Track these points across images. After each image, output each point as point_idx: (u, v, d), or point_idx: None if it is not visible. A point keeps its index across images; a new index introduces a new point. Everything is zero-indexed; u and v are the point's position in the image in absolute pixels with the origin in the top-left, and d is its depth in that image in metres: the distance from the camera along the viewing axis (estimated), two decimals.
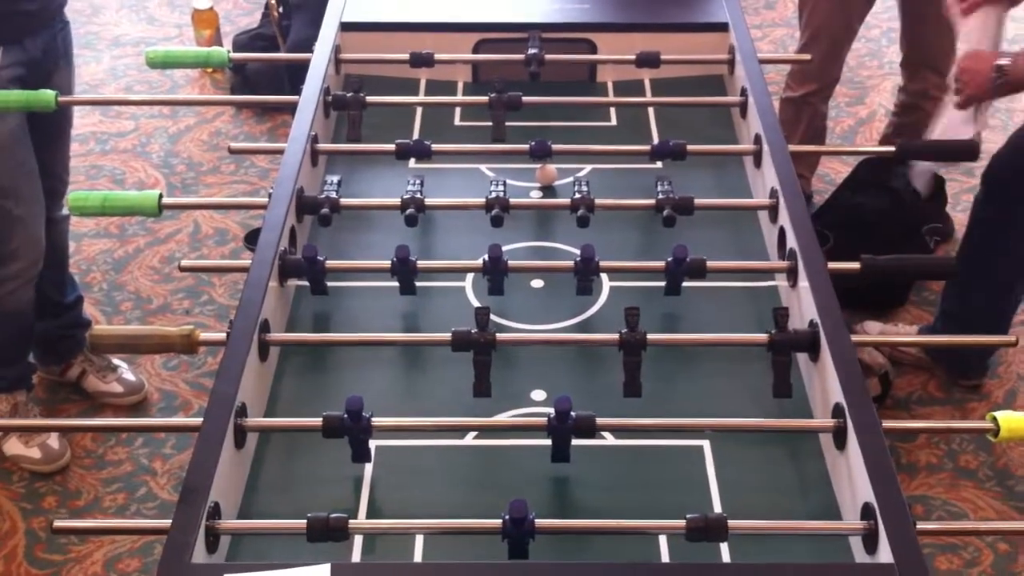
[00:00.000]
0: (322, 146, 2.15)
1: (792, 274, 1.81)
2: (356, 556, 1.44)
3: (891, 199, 3.16)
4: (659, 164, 2.16)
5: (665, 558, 1.44)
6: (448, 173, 2.18)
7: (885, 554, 1.33)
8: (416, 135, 2.29)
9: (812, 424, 1.63)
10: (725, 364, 1.76)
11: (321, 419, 1.51)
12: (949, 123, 2.38)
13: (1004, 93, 2.38)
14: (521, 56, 2.31)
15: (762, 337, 1.67)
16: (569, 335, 1.82)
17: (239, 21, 4.73)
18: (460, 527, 1.44)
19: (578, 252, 1.80)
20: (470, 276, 1.92)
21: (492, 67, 2.44)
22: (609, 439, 1.63)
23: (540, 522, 1.38)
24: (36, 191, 2.55)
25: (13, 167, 2.46)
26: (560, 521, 1.47)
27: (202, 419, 1.48)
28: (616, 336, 1.65)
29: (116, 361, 2.95)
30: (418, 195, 1.97)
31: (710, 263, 1.80)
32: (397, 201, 1.96)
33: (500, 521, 1.37)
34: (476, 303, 1.86)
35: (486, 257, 1.79)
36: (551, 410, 1.50)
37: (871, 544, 1.38)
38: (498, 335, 1.65)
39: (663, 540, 1.46)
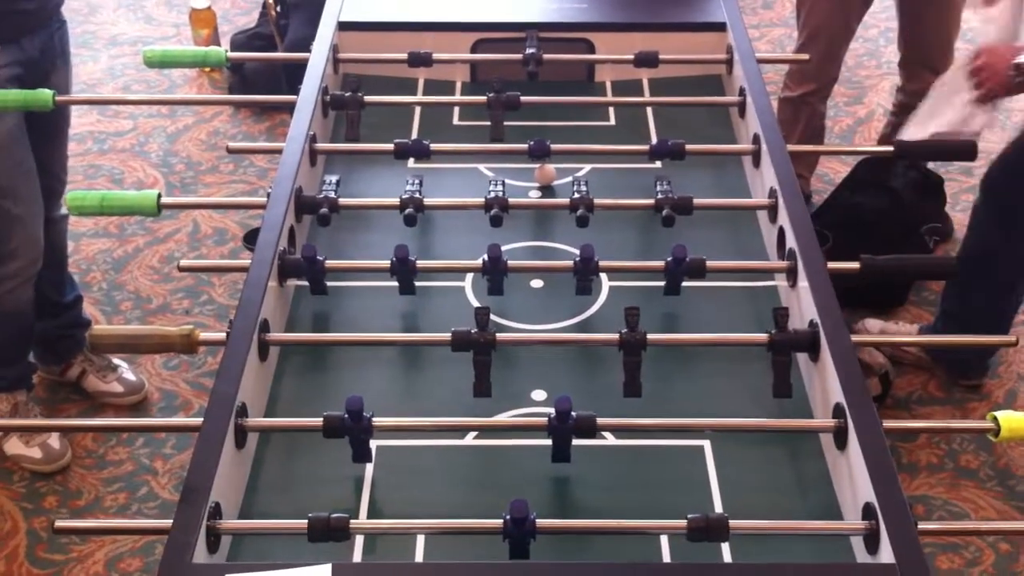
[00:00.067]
0: (321, 146, 2.14)
1: (792, 274, 1.81)
2: (357, 556, 1.44)
3: (890, 199, 3.17)
4: (658, 164, 2.16)
5: (666, 558, 1.44)
6: (447, 173, 2.18)
7: (886, 554, 1.33)
8: (415, 135, 2.29)
9: (813, 424, 1.63)
10: (725, 364, 1.76)
11: (321, 419, 1.51)
12: (955, 117, 2.35)
13: (1021, 91, 2.35)
14: (519, 56, 2.31)
15: (762, 337, 1.67)
16: (569, 335, 1.82)
17: (237, 20, 4.72)
18: (461, 527, 1.44)
19: (577, 252, 1.80)
20: (469, 276, 1.92)
21: (490, 67, 2.44)
22: (609, 439, 1.63)
23: (541, 522, 1.38)
24: (34, 190, 2.55)
25: (11, 166, 2.46)
26: (561, 521, 1.47)
27: (202, 419, 1.48)
28: (616, 336, 1.65)
29: (116, 361, 2.95)
30: (417, 195, 1.97)
31: (710, 263, 1.80)
32: (396, 201, 1.96)
33: (501, 521, 1.37)
34: (476, 303, 1.86)
35: (485, 257, 1.79)
36: (551, 410, 1.50)
37: (872, 544, 1.38)
38: (498, 335, 1.65)
39: (664, 540, 1.46)
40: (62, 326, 2.88)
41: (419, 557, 1.44)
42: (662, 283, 1.83)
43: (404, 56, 2.33)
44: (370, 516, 1.52)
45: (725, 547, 1.44)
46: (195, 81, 4.38)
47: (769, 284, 1.91)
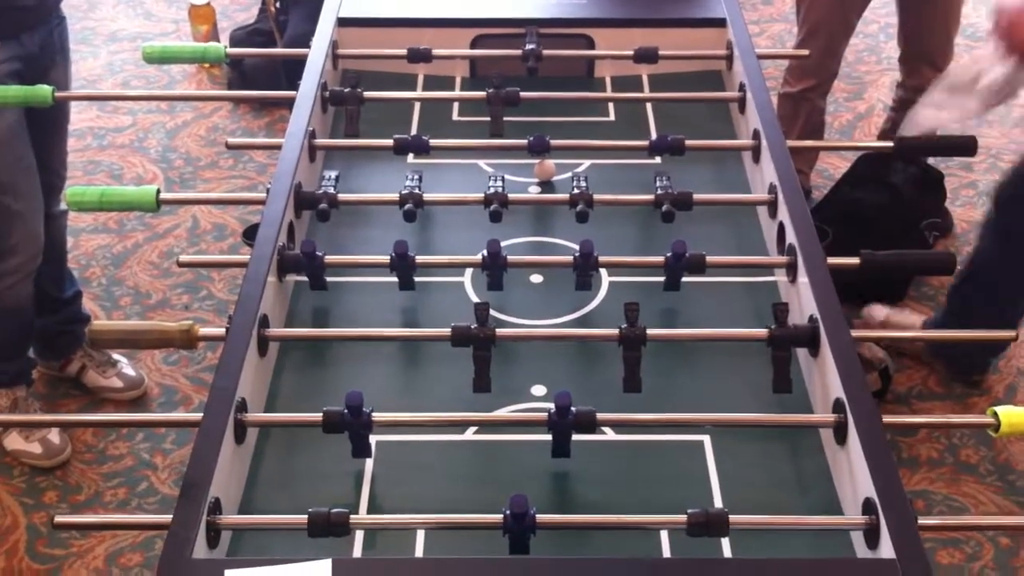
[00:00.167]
0: (320, 141, 2.14)
1: (791, 269, 1.81)
2: (357, 551, 1.44)
3: (890, 194, 3.17)
4: (658, 159, 2.16)
5: (666, 553, 1.44)
6: (446, 168, 2.18)
7: (887, 549, 1.33)
8: (414, 130, 2.29)
9: (812, 419, 1.63)
10: (725, 359, 1.76)
11: (321, 414, 1.51)
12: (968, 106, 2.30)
13: None
14: (519, 51, 2.31)
15: (762, 332, 1.67)
16: (569, 330, 1.82)
17: (236, 16, 4.72)
18: (461, 522, 1.44)
19: (577, 247, 1.80)
20: (469, 271, 1.92)
21: (490, 62, 2.43)
22: (609, 434, 1.63)
23: (541, 517, 1.38)
24: (34, 186, 2.55)
25: (11, 162, 2.46)
26: (561, 516, 1.47)
27: (202, 414, 1.48)
28: (616, 331, 1.65)
29: (116, 356, 2.95)
30: (416, 190, 1.96)
31: (709, 258, 1.80)
32: (395, 196, 1.96)
33: (501, 516, 1.37)
34: (475, 298, 1.86)
35: (485, 252, 1.79)
36: (551, 405, 1.50)
37: (872, 539, 1.38)
38: (498, 330, 1.65)
39: (664, 535, 1.46)
40: (62, 322, 2.88)
41: (419, 552, 1.44)
42: (662, 278, 1.82)
43: (404, 52, 2.33)
44: (370, 511, 1.52)
45: (725, 542, 1.44)
46: (194, 77, 4.38)
47: (769, 279, 1.91)
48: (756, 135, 2.09)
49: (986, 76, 2.17)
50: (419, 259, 1.81)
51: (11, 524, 2.60)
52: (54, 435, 2.74)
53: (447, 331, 1.65)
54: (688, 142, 2.08)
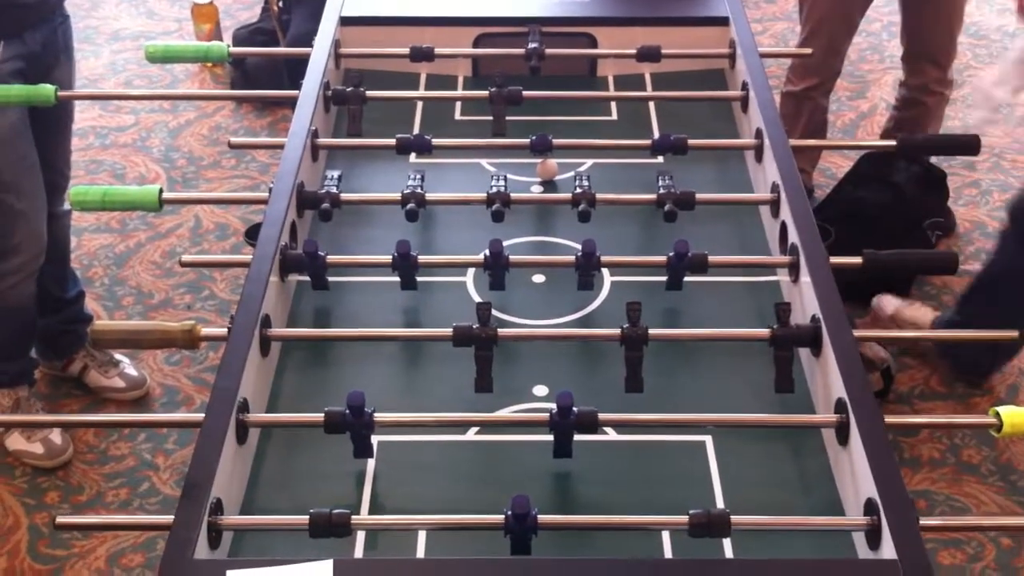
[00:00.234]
0: (322, 141, 2.14)
1: (794, 269, 1.80)
2: (358, 552, 1.44)
3: (893, 193, 3.16)
4: (660, 159, 2.16)
5: (668, 554, 1.44)
6: (449, 168, 2.18)
7: (888, 550, 1.33)
8: (416, 130, 2.29)
9: (814, 419, 1.63)
10: (727, 359, 1.76)
11: (323, 415, 1.51)
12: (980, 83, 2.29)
13: None
14: (522, 50, 2.31)
15: (764, 332, 1.66)
16: (571, 330, 1.82)
17: (239, 15, 4.72)
18: (462, 523, 1.43)
19: (579, 247, 1.79)
20: (471, 271, 1.92)
21: (492, 61, 2.43)
22: (611, 435, 1.63)
23: (542, 518, 1.38)
24: (38, 185, 2.55)
25: (15, 161, 2.46)
26: (562, 517, 1.47)
27: (204, 414, 1.48)
28: (618, 331, 1.65)
29: (118, 356, 2.95)
30: (419, 190, 1.96)
31: (712, 258, 1.80)
32: (398, 196, 1.96)
33: (502, 517, 1.37)
34: (477, 298, 1.86)
35: (487, 252, 1.79)
36: (553, 405, 1.50)
37: (874, 540, 1.38)
38: (499, 330, 1.65)
39: (666, 536, 1.45)
40: (64, 321, 2.88)
41: (420, 553, 1.44)
42: (664, 278, 1.82)
43: (406, 51, 2.33)
44: (371, 512, 1.52)
45: (727, 543, 1.44)
46: (197, 76, 4.38)
47: (771, 279, 1.91)
48: (759, 134, 2.09)
49: None
50: (421, 259, 1.81)
51: (13, 524, 2.60)
52: (56, 435, 2.74)
53: (449, 331, 1.65)
54: (690, 141, 2.07)
